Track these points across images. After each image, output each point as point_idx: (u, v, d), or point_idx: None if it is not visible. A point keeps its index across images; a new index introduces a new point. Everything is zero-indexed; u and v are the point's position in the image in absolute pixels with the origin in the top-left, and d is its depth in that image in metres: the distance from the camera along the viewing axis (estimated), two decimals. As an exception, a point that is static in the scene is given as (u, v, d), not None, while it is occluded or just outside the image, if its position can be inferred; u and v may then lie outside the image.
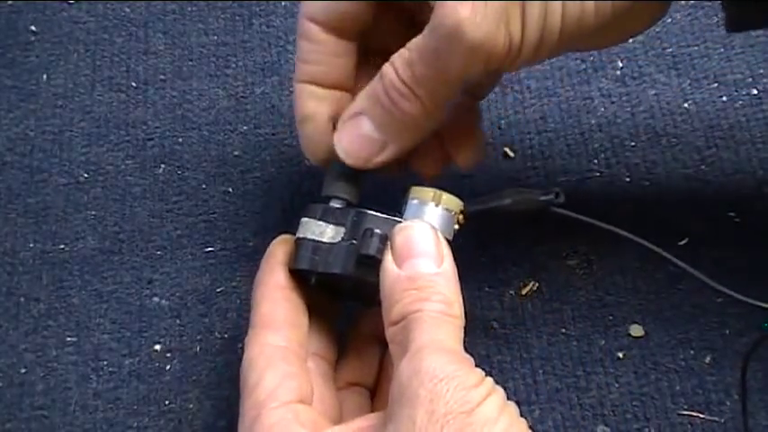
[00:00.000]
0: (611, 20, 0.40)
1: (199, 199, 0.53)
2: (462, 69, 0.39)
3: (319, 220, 0.41)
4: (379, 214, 0.41)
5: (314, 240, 0.41)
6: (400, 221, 0.40)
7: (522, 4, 0.38)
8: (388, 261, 0.39)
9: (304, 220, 0.42)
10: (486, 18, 0.38)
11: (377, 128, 0.41)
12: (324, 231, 0.41)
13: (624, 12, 0.40)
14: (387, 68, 0.40)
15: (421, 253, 0.38)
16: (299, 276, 0.42)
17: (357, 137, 0.42)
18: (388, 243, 0.39)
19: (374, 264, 0.39)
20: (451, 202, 0.41)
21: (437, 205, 0.41)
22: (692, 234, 0.49)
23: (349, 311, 0.45)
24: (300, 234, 0.42)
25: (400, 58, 0.40)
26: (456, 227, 0.41)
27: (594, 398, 0.46)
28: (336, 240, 0.41)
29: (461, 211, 0.41)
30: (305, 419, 0.37)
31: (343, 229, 0.41)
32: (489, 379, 0.35)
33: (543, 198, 0.41)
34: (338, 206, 0.42)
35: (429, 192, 0.41)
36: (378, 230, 0.40)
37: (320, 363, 0.42)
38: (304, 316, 0.41)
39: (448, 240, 0.40)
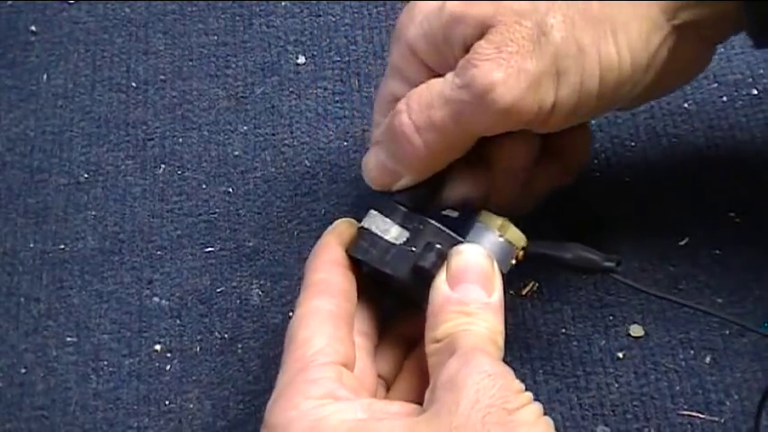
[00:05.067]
0: (651, 78, 0.40)
1: (199, 199, 0.53)
2: (484, 128, 0.40)
3: (387, 217, 0.42)
4: (443, 228, 0.41)
5: (376, 235, 0.42)
6: (461, 241, 0.41)
7: (556, 72, 0.38)
8: (441, 280, 0.39)
9: (373, 212, 0.42)
10: (519, 83, 0.38)
11: (389, 159, 0.42)
12: (388, 230, 0.42)
13: (661, 69, 0.41)
14: (401, 106, 0.41)
15: (475, 279, 0.39)
16: (354, 261, 0.42)
17: (376, 164, 0.43)
18: (445, 261, 0.40)
19: (427, 277, 0.40)
20: (516, 236, 0.42)
21: (501, 236, 0.41)
22: (692, 234, 0.49)
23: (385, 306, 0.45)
24: (366, 224, 0.42)
25: (417, 98, 0.40)
26: (513, 262, 0.42)
27: (594, 398, 0.46)
28: (398, 242, 0.41)
29: (523, 248, 0.42)
30: (347, 382, 0.38)
31: (406, 234, 0.41)
32: (530, 393, 0.36)
33: (606, 264, 0.41)
34: (407, 209, 0.42)
35: (498, 220, 0.41)
36: (438, 245, 0.40)
37: (364, 340, 0.43)
38: (355, 293, 0.42)
39: (501, 273, 0.40)
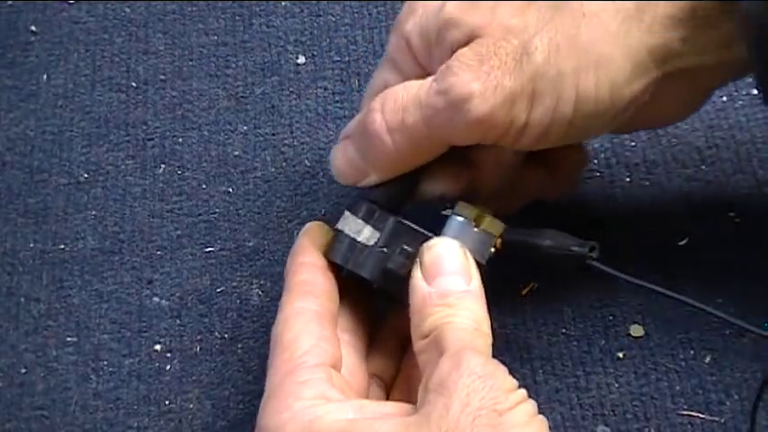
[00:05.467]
0: (630, 116, 0.40)
1: (199, 199, 0.53)
2: (455, 137, 0.40)
3: (360, 218, 0.42)
4: (416, 228, 0.42)
5: (349, 237, 0.42)
6: (433, 237, 0.41)
7: (532, 93, 0.39)
8: (418, 277, 0.39)
9: (347, 213, 0.42)
10: (495, 97, 0.38)
11: (358, 155, 0.42)
12: (361, 231, 0.42)
13: (643, 110, 0.41)
14: (375, 104, 0.41)
15: (450, 271, 0.39)
16: (333, 263, 0.43)
17: (345, 158, 0.43)
18: (417, 259, 0.40)
19: (397, 279, 0.40)
20: (493, 225, 0.42)
21: (477, 226, 0.41)
22: (692, 234, 0.49)
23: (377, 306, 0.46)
24: (339, 226, 0.42)
25: (393, 99, 0.41)
26: (492, 250, 0.42)
27: (594, 398, 0.46)
28: (370, 243, 0.42)
29: (501, 236, 0.42)
30: (336, 383, 0.38)
31: (378, 234, 0.42)
32: (523, 390, 0.36)
33: (576, 249, 0.41)
34: (380, 209, 0.42)
35: (473, 211, 0.42)
36: (407, 247, 0.41)
37: (353, 339, 0.43)
38: (336, 293, 0.42)
39: (480, 264, 0.41)
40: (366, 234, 0.42)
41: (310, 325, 0.40)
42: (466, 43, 0.40)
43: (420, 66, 0.42)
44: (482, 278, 0.40)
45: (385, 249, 0.41)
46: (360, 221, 0.42)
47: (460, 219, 0.42)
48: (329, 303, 0.41)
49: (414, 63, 0.42)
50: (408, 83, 0.41)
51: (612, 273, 0.42)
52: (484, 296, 0.40)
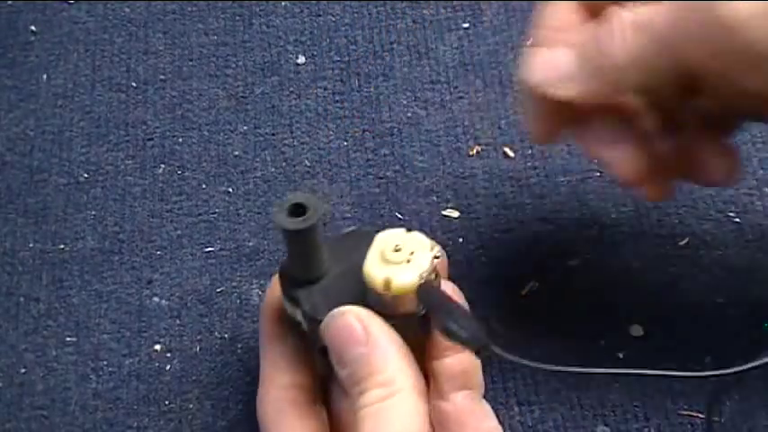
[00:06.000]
0: None
1: (199, 199, 0.53)
2: (691, 44, 0.34)
3: (287, 300, 0.39)
4: (315, 305, 0.38)
5: (290, 315, 0.40)
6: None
7: None
8: (333, 361, 0.37)
9: (280, 289, 0.40)
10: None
11: (576, 61, 0.37)
12: (294, 311, 0.39)
13: None
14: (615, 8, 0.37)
15: (343, 346, 0.36)
16: None
17: (551, 65, 0.38)
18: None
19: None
20: (403, 287, 0.36)
21: (385, 292, 0.36)
22: (692, 234, 0.49)
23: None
24: (284, 298, 0.40)
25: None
26: (404, 310, 0.37)
27: (594, 398, 0.46)
28: (305, 329, 0.39)
29: (414, 291, 0.36)
30: None
31: (305, 320, 0.39)
32: None
33: (468, 343, 0.35)
34: (301, 286, 0.38)
35: (379, 276, 0.36)
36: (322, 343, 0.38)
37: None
38: (310, 373, 0.40)
39: (393, 316, 0.37)
40: (299, 316, 0.39)
41: (293, 412, 0.39)
42: None
43: None
44: (411, 326, 0.37)
45: (312, 337, 0.39)
46: (287, 302, 0.39)
47: (370, 285, 0.37)
48: (305, 379, 0.40)
49: None
50: None
51: (513, 359, 0.36)
52: (392, 339, 0.36)
